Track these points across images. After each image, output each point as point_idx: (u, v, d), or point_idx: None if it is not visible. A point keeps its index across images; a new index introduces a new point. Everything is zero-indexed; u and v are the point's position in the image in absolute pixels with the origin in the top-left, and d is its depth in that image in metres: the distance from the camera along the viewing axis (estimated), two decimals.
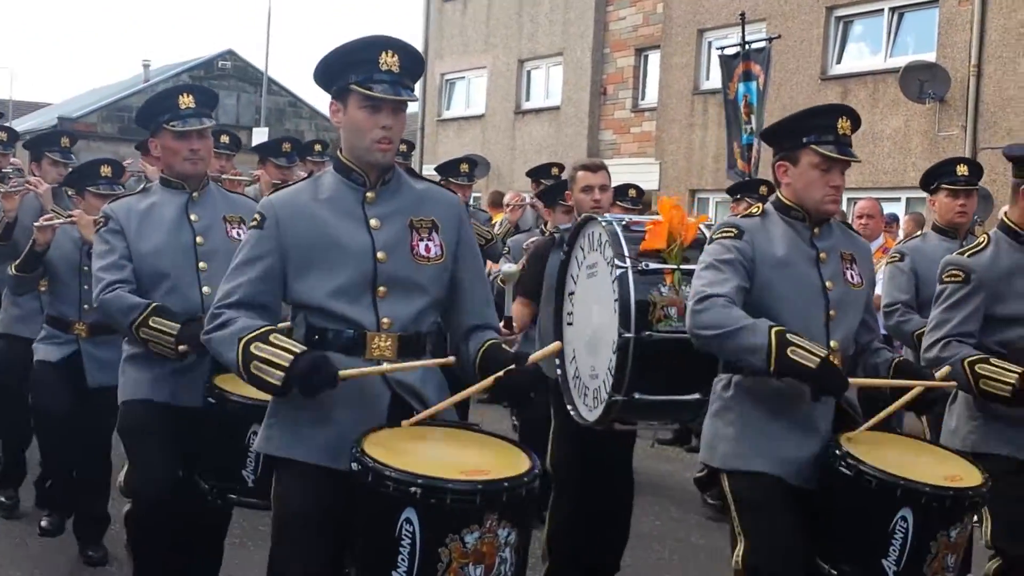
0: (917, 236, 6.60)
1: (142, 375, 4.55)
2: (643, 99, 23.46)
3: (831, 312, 4.02)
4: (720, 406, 4.09)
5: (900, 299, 5.83)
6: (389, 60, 3.44)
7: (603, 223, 4.87)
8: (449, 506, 3.02)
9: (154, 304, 4.41)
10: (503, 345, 3.60)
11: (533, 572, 5.65)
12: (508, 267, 4.87)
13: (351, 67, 3.45)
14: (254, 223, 3.51)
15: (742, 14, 12.50)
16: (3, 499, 6.86)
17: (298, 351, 3.29)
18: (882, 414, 4.01)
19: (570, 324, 5.08)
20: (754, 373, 3.90)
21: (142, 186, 5.01)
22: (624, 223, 4.84)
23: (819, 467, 3.88)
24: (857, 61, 18.56)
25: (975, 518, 3.93)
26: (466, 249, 3.68)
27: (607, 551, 5.50)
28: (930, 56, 16.93)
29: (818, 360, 3.65)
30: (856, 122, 4.11)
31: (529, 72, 26.68)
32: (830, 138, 4.00)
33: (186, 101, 4.59)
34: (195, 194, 4.68)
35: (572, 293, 5.21)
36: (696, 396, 4.56)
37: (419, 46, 29.77)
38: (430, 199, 3.64)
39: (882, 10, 17.97)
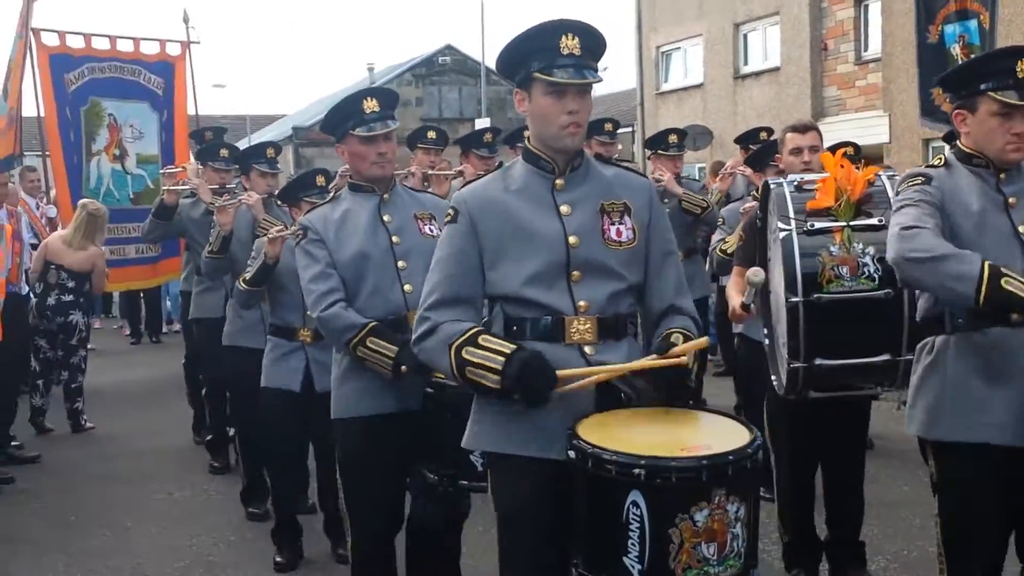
0: None
1: (360, 387, 4.56)
2: (866, 51, 22.70)
3: None
4: (923, 371, 3.91)
5: None
6: (570, 43, 3.39)
7: (773, 185, 4.72)
8: (675, 485, 2.94)
9: (371, 324, 4.45)
10: (675, 335, 3.44)
11: (776, 546, 5.64)
12: (754, 274, 4.72)
13: (532, 55, 3.41)
14: (448, 218, 3.54)
15: None
16: (253, 510, 7.08)
17: (508, 351, 3.29)
18: None
19: (769, 291, 4.95)
20: (955, 306, 3.71)
21: (332, 194, 5.06)
22: (796, 183, 4.65)
23: None
24: None
25: None
26: (658, 232, 3.60)
27: (842, 522, 5.32)
28: None
29: None
30: None
31: (745, 35, 26.20)
32: (1010, 82, 3.76)
33: (371, 105, 4.62)
34: (385, 196, 4.72)
35: (770, 259, 5.10)
36: (885, 357, 4.36)
37: (632, 21, 29.77)
38: (620, 183, 3.58)
39: None
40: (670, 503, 2.96)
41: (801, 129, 5.62)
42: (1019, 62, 3.79)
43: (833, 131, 20.56)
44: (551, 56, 3.39)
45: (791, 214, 4.48)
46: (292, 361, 5.92)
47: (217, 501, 7.57)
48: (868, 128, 21.37)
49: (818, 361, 4.40)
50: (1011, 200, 3.85)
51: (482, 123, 27.35)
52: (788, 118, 22.75)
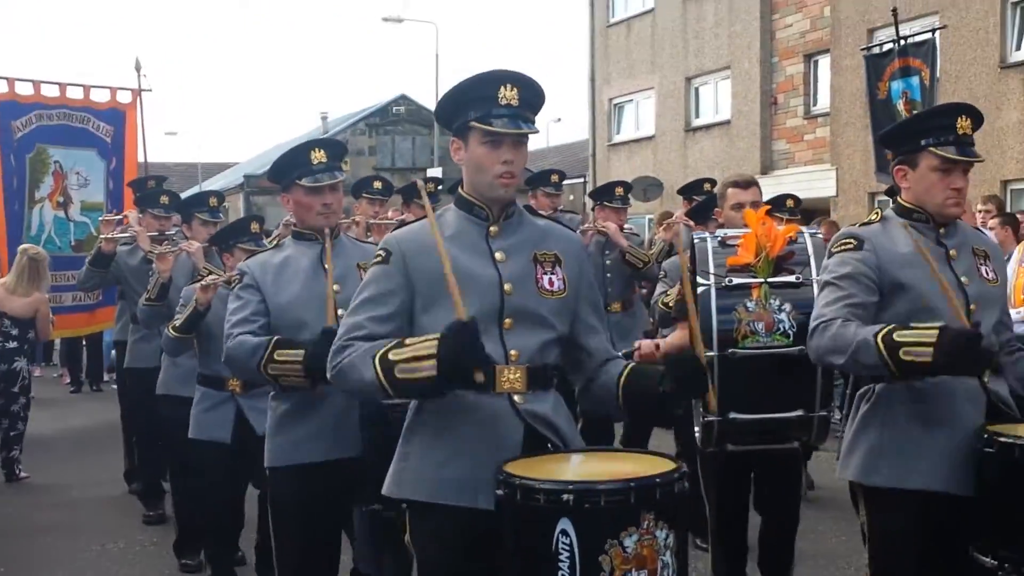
0: None
1: (296, 435, 4.51)
2: (815, 105, 23.03)
3: (971, 307, 3.84)
4: (862, 417, 3.93)
5: None
6: (508, 94, 3.38)
7: (697, 239, 4.78)
8: (604, 508, 2.94)
9: (275, 338, 4.40)
10: (643, 367, 3.51)
11: None
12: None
13: (470, 104, 3.41)
14: (378, 259, 3.47)
15: (894, 9, 12.08)
16: (187, 561, 6.90)
17: (439, 335, 3.16)
18: None
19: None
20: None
21: (275, 242, 5.04)
22: (720, 238, 4.73)
23: (971, 467, 3.70)
24: None
25: None
26: (587, 286, 3.61)
27: (774, 571, 5.27)
28: None
29: (930, 350, 3.45)
30: (977, 120, 3.91)
31: (697, 89, 26.51)
32: (950, 139, 3.84)
33: (318, 156, 4.61)
34: (328, 244, 4.68)
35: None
36: (799, 413, 4.42)
37: (585, 74, 30.02)
38: (552, 235, 3.58)
39: None
40: (599, 528, 2.95)
41: (743, 184, 5.61)
42: (959, 118, 3.88)
43: (782, 184, 20.75)
44: (488, 106, 3.38)
45: (711, 269, 4.55)
46: (221, 412, 5.86)
47: (150, 552, 7.44)
48: (816, 181, 21.61)
49: (732, 415, 4.45)
50: (952, 252, 3.93)
51: (434, 172, 27.39)
52: (738, 170, 22.98)
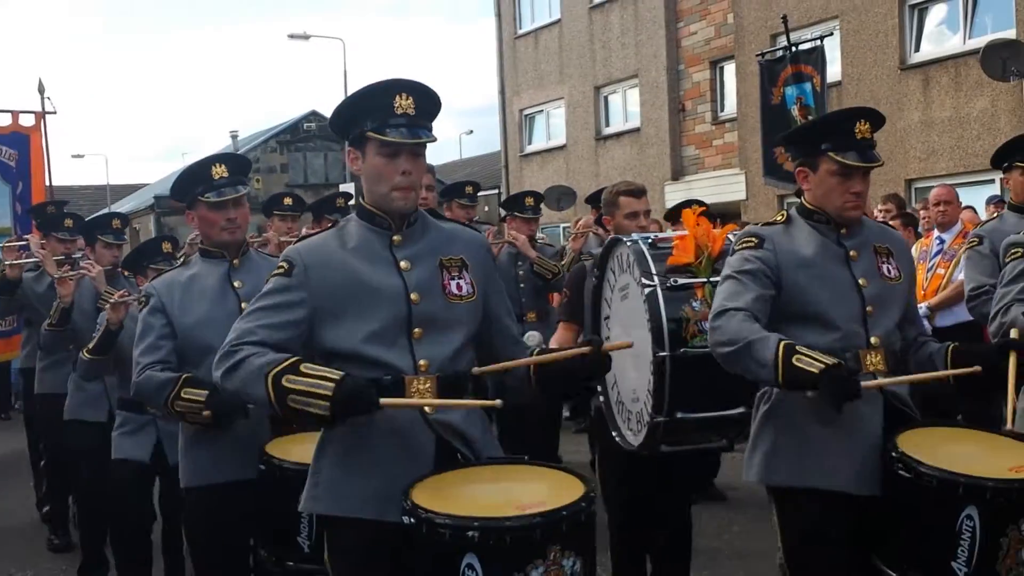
0: (994, 218, 6.30)
1: (208, 454, 4.50)
2: (723, 111, 23.33)
3: (868, 308, 3.87)
4: (761, 418, 3.96)
5: (985, 283, 5.47)
6: (404, 103, 3.34)
7: (628, 243, 4.78)
8: (509, 545, 2.92)
9: (185, 376, 4.38)
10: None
11: None
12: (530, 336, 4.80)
13: (366, 114, 3.37)
14: (280, 271, 3.41)
15: (784, 17, 12.32)
16: None
17: (338, 377, 3.12)
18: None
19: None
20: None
21: (182, 260, 4.99)
22: (650, 240, 4.75)
23: (877, 472, 3.69)
24: (936, 47, 18.17)
25: None
26: (494, 285, 3.61)
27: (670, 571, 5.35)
28: (1010, 33, 16.49)
29: (822, 366, 3.47)
30: (877, 122, 3.95)
31: (606, 97, 26.71)
32: (850, 143, 3.87)
33: (219, 171, 4.56)
34: (235, 261, 4.66)
35: (607, 318, 5.12)
36: (740, 410, 4.44)
37: (495, 86, 30.08)
38: (456, 238, 3.56)
39: None
40: (505, 563, 2.93)
41: (637, 194, 5.62)
42: (858, 123, 3.90)
43: (692, 189, 21.07)
44: (385, 115, 3.35)
45: (653, 270, 4.53)
46: (143, 434, 5.75)
47: None
48: (726, 186, 21.89)
49: (679, 415, 4.47)
50: (852, 253, 3.95)
51: (347, 188, 27.23)
52: (649, 177, 23.26)
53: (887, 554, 3.68)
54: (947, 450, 3.64)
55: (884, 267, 3.98)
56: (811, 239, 3.94)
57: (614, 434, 4.98)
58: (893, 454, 3.60)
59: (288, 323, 3.33)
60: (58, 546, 7.93)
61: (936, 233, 8.54)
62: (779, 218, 4.08)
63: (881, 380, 3.77)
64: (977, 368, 3.83)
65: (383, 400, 3.16)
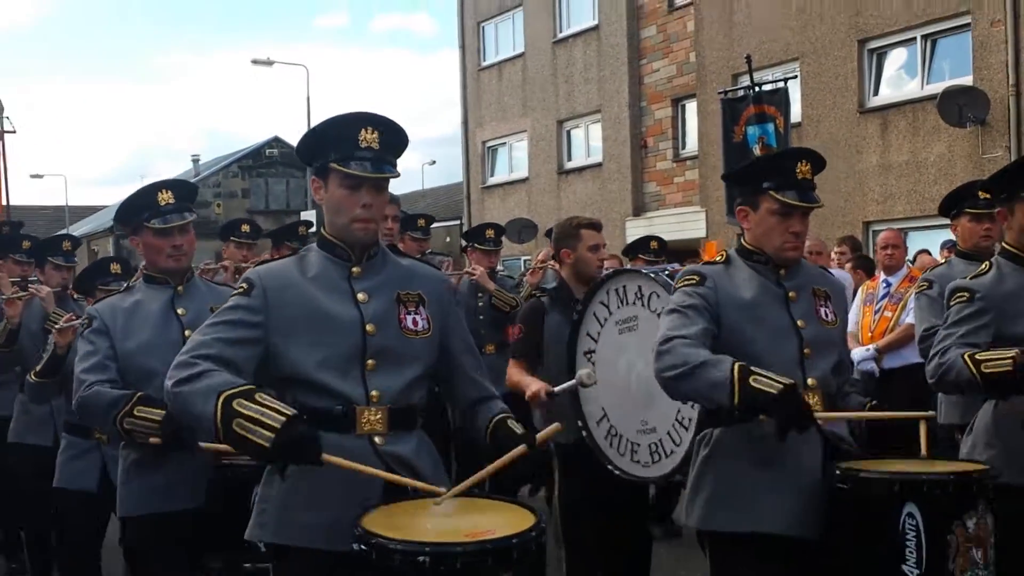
0: (943, 264, 6.45)
1: (146, 484, 4.45)
2: (684, 148, 23.53)
3: (805, 351, 3.89)
4: (700, 463, 3.94)
5: (936, 324, 5.49)
6: (369, 137, 3.37)
7: (650, 275, 4.87)
8: (460, 571, 2.90)
9: (139, 394, 4.32)
10: (509, 421, 3.49)
11: None
12: (587, 377, 4.85)
13: (331, 145, 3.39)
14: (240, 291, 3.41)
15: (748, 57, 12.48)
16: None
17: (291, 414, 3.06)
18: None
19: (591, 384, 4.95)
20: (720, 411, 3.78)
21: (125, 285, 4.94)
22: (667, 272, 4.82)
23: (817, 513, 3.73)
24: (894, 91, 18.44)
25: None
26: (454, 322, 3.62)
27: None
28: (967, 80, 16.79)
29: (780, 386, 3.49)
30: (818, 164, 3.98)
31: (569, 132, 26.87)
32: (790, 183, 3.89)
33: (165, 197, 4.53)
34: (180, 288, 4.63)
35: (591, 351, 5.14)
36: None
37: (458, 117, 30.20)
38: (416, 274, 3.58)
39: (915, 39, 17.87)
40: None
41: (597, 227, 5.68)
42: (799, 163, 3.92)
43: (653, 225, 21.17)
44: (349, 148, 3.36)
45: None
46: (87, 460, 5.66)
47: None
48: (686, 223, 22.05)
49: None
50: (791, 294, 3.96)
51: (308, 215, 27.19)
52: (611, 212, 23.40)
53: None
54: (884, 467, 3.74)
55: (822, 310, 4.01)
56: (751, 280, 3.96)
57: (609, 467, 5.02)
58: (835, 473, 3.68)
59: (244, 340, 3.32)
60: (15, 570, 7.80)
61: (882, 276, 8.61)
62: (719, 258, 4.09)
63: (826, 413, 3.81)
64: (928, 413, 3.95)
65: (326, 457, 3.11)
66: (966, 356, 4.08)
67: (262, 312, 3.36)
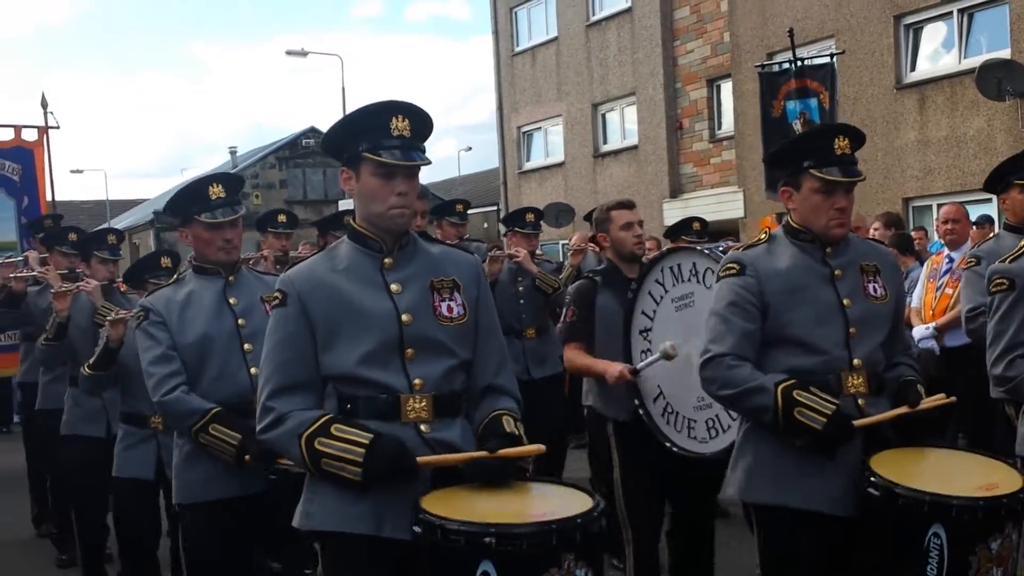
0: (991, 238, 6.26)
1: (203, 472, 4.52)
2: (720, 129, 23.40)
3: (851, 330, 3.89)
4: (743, 434, 4.00)
5: (982, 303, 5.35)
6: (400, 125, 3.38)
7: (706, 251, 4.92)
8: (525, 552, 2.93)
9: (214, 410, 4.41)
10: (504, 419, 3.47)
11: None
12: (672, 348, 4.91)
13: (361, 134, 3.39)
14: (276, 301, 3.47)
15: (790, 31, 12.32)
16: None
17: (367, 440, 3.24)
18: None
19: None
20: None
21: (175, 276, 5.01)
22: (722, 249, 4.85)
23: (853, 494, 3.72)
24: (931, 66, 18.26)
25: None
26: (485, 307, 3.61)
27: None
28: (1005, 53, 16.60)
29: (824, 420, 3.62)
30: (857, 140, 3.97)
31: (604, 115, 26.79)
32: (831, 159, 3.89)
33: (216, 191, 4.60)
34: (231, 278, 4.70)
35: (647, 330, 5.16)
36: None
37: (493, 103, 30.20)
38: (448, 260, 3.58)
39: (951, 12, 17.69)
40: (521, 570, 2.96)
41: (628, 205, 5.69)
42: (836, 139, 3.92)
43: (690, 207, 21.09)
44: (380, 137, 3.38)
45: None
46: (143, 450, 5.77)
47: None
48: (724, 203, 21.95)
49: None
50: (837, 272, 3.96)
51: (346, 204, 27.31)
52: (647, 194, 23.34)
53: (861, 574, 3.73)
54: (919, 470, 3.72)
55: (870, 286, 3.99)
56: (794, 258, 3.96)
57: (666, 444, 5.07)
58: (866, 474, 3.66)
59: (301, 355, 3.41)
60: (64, 562, 7.94)
61: (946, 252, 8.35)
62: (762, 237, 4.10)
63: (864, 420, 3.80)
64: (953, 399, 3.97)
65: (421, 460, 3.26)
66: None
67: (302, 317, 3.41)
